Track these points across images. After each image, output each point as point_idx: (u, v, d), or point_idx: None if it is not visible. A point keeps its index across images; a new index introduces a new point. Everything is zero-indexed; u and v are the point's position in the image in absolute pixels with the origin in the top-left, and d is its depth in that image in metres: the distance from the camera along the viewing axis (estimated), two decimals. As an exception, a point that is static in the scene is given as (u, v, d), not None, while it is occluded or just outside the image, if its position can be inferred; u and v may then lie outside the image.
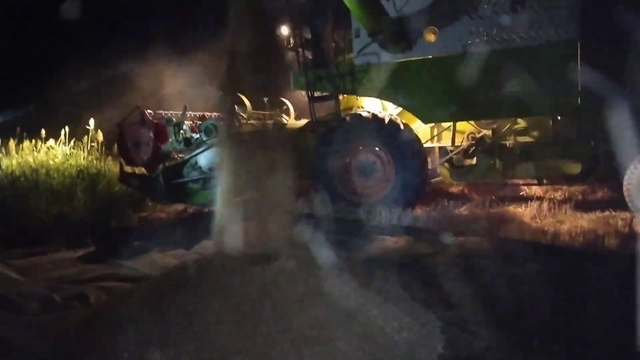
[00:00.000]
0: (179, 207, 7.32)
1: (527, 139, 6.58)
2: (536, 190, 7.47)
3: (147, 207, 7.29)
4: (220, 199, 5.80)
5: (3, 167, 7.51)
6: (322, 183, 6.75)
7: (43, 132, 8.14)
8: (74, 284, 4.49)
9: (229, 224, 5.43)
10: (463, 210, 6.54)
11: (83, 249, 5.65)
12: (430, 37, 6.31)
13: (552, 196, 6.95)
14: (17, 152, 8.02)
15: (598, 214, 5.87)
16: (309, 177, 7.01)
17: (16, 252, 5.50)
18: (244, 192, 6.98)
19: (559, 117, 6.33)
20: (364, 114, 6.66)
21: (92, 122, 8.07)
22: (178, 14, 12.38)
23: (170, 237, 5.76)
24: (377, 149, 6.62)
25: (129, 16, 13.30)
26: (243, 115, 7.41)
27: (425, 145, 6.88)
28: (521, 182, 7.25)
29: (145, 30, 12.59)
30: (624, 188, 5.89)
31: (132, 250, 5.46)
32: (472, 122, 6.79)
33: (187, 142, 6.75)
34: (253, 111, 7.81)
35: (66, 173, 7.15)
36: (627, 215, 5.68)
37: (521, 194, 7.49)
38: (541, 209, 6.14)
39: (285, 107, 8.62)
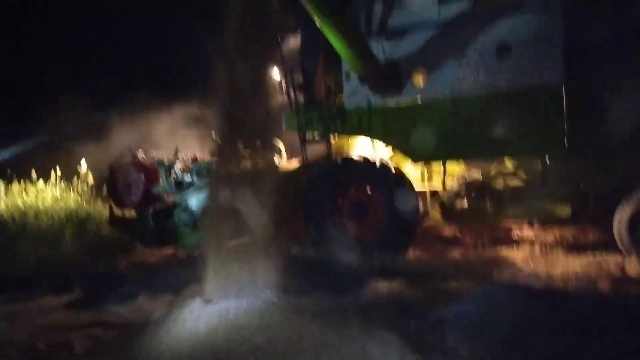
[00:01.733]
0: (169, 250, 7.23)
1: (516, 181, 6.64)
2: (527, 232, 7.47)
3: (137, 250, 7.19)
4: (211, 242, 5.77)
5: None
6: (314, 225, 6.72)
7: (33, 173, 8.09)
8: (58, 332, 4.38)
9: (218, 268, 5.39)
10: (455, 253, 6.51)
11: (70, 294, 5.55)
12: (419, 81, 6.46)
13: (543, 238, 6.95)
14: (5, 194, 7.94)
15: (590, 256, 5.87)
16: (301, 219, 6.98)
17: (1, 297, 5.39)
18: (235, 235, 6.96)
19: (547, 160, 6.41)
20: (355, 157, 6.70)
21: (83, 163, 8.05)
22: (170, 55, 12.58)
23: (159, 282, 5.68)
24: (368, 191, 6.64)
25: (119, 56, 13.50)
26: (235, 156, 7.44)
27: (416, 188, 6.91)
28: (512, 224, 7.26)
29: (137, 71, 12.77)
30: (615, 230, 5.92)
31: (120, 295, 5.37)
32: (462, 164, 6.86)
33: (178, 184, 6.73)
34: (245, 152, 7.84)
35: (55, 216, 7.08)
36: (619, 257, 5.69)
37: (513, 236, 7.49)
38: (533, 252, 6.14)
39: (277, 148, 8.68)
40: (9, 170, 8.44)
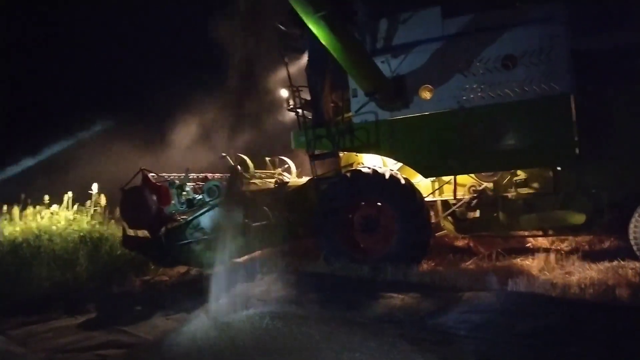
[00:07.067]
0: (182, 269, 7.24)
1: (528, 190, 6.60)
2: (542, 241, 7.40)
3: (150, 270, 7.21)
4: (223, 260, 5.79)
5: (6, 233, 7.52)
6: (326, 240, 6.71)
7: (46, 198, 8.20)
8: (72, 353, 4.38)
9: (231, 285, 5.39)
10: (469, 264, 6.45)
11: (84, 315, 5.55)
12: (426, 95, 6.49)
13: (558, 247, 6.88)
14: (20, 219, 8.05)
15: (606, 264, 5.78)
16: (312, 234, 6.98)
17: (16, 320, 5.41)
18: (247, 252, 6.98)
19: (558, 168, 6.37)
20: (365, 170, 6.72)
21: (95, 186, 8.14)
22: (180, 76, 12.72)
23: (173, 301, 5.68)
24: (379, 204, 6.63)
25: (130, 77, 13.71)
26: (245, 175, 7.49)
27: (427, 199, 6.89)
28: (526, 233, 7.20)
29: (148, 92, 12.94)
30: (631, 236, 5.85)
31: (134, 315, 5.37)
32: (472, 174, 6.83)
33: (190, 203, 6.77)
34: (255, 171, 7.91)
35: (69, 238, 7.14)
36: (636, 264, 5.59)
37: (527, 245, 7.42)
38: (548, 261, 6.06)
39: (286, 165, 8.74)
40: (22, 195, 8.55)
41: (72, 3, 14.46)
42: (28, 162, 13.70)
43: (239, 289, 5.56)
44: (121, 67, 13.85)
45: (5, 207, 8.44)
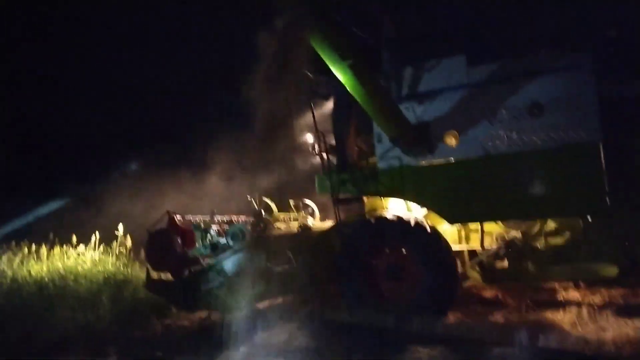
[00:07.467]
0: (203, 314, 7.18)
1: (558, 240, 6.42)
2: (573, 293, 7.12)
3: (172, 313, 7.18)
4: (245, 306, 5.75)
5: (33, 272, 7.63)
6: (349, 287, 6.60)
7: (74, 238, 8.33)
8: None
9: (252, 333, 5.33)
10: (497, 316, 6.23)
11: (104, 359, 5.53)
12: (451, 141, 6.48)
13: (590, 300, 6.60)
14: (47, 258, 8.16)
15: (643, 319, 5.51)
16: (335, 280, 6.87)
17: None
18: (269, 298, 6.92)
19: (589, 218, 6.20)
20: (390, 216, 6.65)
21: (120, 227, 8.25)
22: (208, 118, 12.99)
23: (192, 347, 5.62)
24: (404, 251, 6.52)
25: (160, 119, 14.06)
26: (269, 218, 7.51)
27: (454, 248, 6.75)
28: (557, 285, 6.94)
29: (175, 134, 13.25)
30: (668, 291, 5.60)
31: (155, 360, 5.34)
32: (500, 223, 6.70)
33: (214, 247, 6.78)
34: (279, 214, 7.92)
35: (94, 279, 7.20)
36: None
37: (558, 297, 7.14)
38: (581, 315, 5.80)
39: (310, 209, 8.72)
40: (51, 234, 8.71)
41: (101, 39, 15.10)
42: (58, 201, 14.02)
43: (259, 338, 5.48)
44: (150, 109, 14.28)
45: (33, 246, 8.59)
